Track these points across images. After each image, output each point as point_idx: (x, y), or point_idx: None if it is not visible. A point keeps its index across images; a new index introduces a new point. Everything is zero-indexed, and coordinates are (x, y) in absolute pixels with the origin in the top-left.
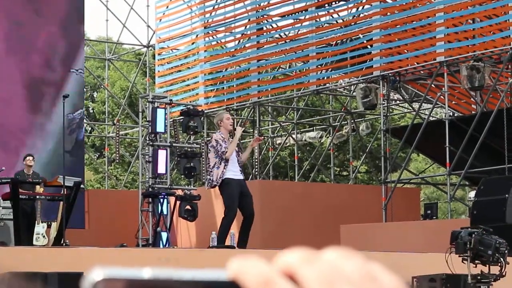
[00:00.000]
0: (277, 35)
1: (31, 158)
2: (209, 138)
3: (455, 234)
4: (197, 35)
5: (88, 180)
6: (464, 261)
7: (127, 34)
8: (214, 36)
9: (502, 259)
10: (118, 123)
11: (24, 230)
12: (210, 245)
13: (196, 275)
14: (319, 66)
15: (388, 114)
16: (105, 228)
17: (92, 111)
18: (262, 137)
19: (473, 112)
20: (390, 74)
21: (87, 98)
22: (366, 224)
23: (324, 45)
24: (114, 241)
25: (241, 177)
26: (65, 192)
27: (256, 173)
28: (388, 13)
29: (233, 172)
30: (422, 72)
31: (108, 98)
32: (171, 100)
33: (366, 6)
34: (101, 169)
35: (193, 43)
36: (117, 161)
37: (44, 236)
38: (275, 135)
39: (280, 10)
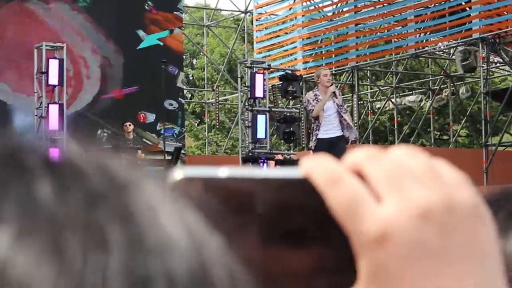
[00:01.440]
0: None
1: (129, 124)
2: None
3: None
4: (294, 0)
5: (188, 147)
6: None
7: (225, 0)
8: (312, 1)
9: None
10: (217, 89)
11: None
12: None
13: (270, 173)
14: (417, 30)
15: (488, 77)
16: None
17: (191, 77)
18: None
19: None
20: (489, 36)
21: (186, 65)
22: None
23: (422, 8)
24: None
25: (333, 134)
26: (165, 158)
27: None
28: None
29: (324, 130)
30: None
31: (207, 65)
32: (269, 65)
33: None
34: (201, 136)
35: (290, 9)
36: (217, 127)
37: None
38: (374, 99)
39: None
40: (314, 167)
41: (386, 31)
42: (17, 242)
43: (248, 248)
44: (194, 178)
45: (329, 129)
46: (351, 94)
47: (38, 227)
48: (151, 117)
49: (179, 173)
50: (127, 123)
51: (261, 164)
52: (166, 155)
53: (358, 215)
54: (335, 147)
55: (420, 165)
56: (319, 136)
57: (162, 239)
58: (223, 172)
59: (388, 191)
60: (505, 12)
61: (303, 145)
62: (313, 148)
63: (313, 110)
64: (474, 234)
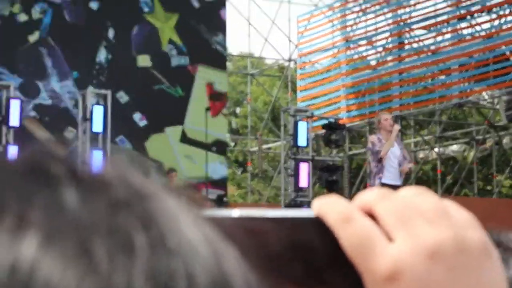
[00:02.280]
0: (419, 48)
1: (174, 173)
2: None
3: None
4: (338, 49)
5: (231, 195)
6: None
7: (269, 48)
8: (356, 50)
9: None
10: (260, 137)
11: None
12: None
13: (284, 213)
14: (461, 79)
15: None
16: None
17: (235, 126)
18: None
19: None
20: None
21: (230, 114)
22: None
23: (466, 57)
24: None
25: (395, 182)
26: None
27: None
28: None
29: (387, 176)
30: None
31: (251, 113)
32: (312, 113)
33: (509, 18)
34: (244, 184)
35: (334, 57)
36: (260, 175)
37: None
38: (418, 148)
39: (421, 24)
40: (326, 206)
41: (430, 80)
42: (45, 246)
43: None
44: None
45: (391, 175)
46: None
47: (64, 232)
48: None
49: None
50: (173, 173)
51: None
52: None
53: (370, 253)
54: None
55: (429, 205)
56: (383, 181)
57: (185, 245)
58: (235, 212)
59: (399, 230)
60: None
61: (346, 194)
62: None
63: (380, 151)
64: (482, 273)
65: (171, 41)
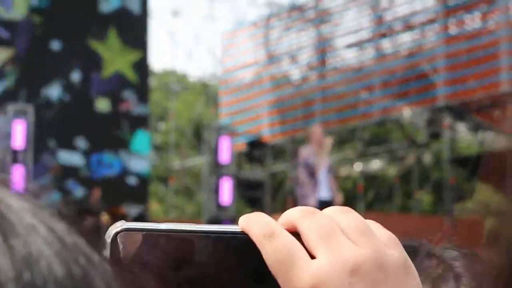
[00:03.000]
0: (341, 65)
1: (98, 191)
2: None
3: None
4: (261, 66)
5: (153, 211)
6: None
7: (192, 65)
8: (279, 67)
9: None
10: (183, 154)
11: None
12: None
13: (208, 228)
14: (383, 96)
15: (452, 144)
16: None
17: (157, 142)
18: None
19: None
20: (454, 104)
21: (153, 129)
22: None
23: (388, 74)
24: None
25: (327, 194)
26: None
27: None
28: (453, 43)
29: (322, 190)
30: (486, 101)
31: (174, 129)
32: (235, 130)
33: (431, 36)
34: (166, 200)
35: (257, 74)
36: (183, 192)
37: None
38: (340, 165)
39: (344, 40)
40: (251, 222)
41: (352, 97)
42: None
43: None
44: (134, 231)
45: (324, 189)
46: None
47: None
48: None
49: (118, 225)
50: (97, 190)
51: None
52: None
53: (292, 268)
54: None
55: (352, 223)
56: (319, 197)
57: (41, 248)
58: (162, 225)
59: (321, 246)
60: (470, 80)
61: (267, 211)
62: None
63: (315, 164)
64: None
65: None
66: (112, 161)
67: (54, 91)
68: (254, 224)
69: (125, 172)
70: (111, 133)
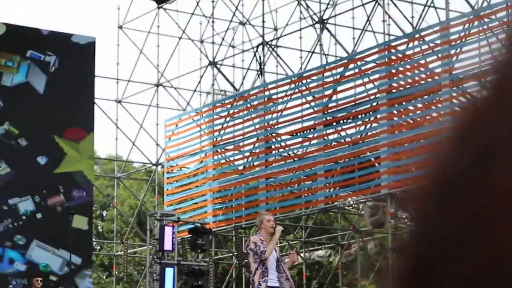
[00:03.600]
0: (285, 154)
1: (40, 280)
2: (247, 242)
3: None
4: (206, 154)
5: None
6: None
7: (136, 152)
8: (223, 155)
9: None
10: (126, 242)
11: None
12: None
13: None
14: (327, 185)
15: (396, 232)
16: None
17: (101, 229)
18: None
19: None
20: (398, 192)
21: (96, 217)
22: None
23: (332, 163)
24: None
25: (276, 284)
26: None
27: None
28: (396, 132)
29: (271, 278)
30: None
31: (117, 217)
32: (179, 218)
33: (374, 124)
34: None
35: (202, 162)
36: (125, 280)
37: None
38: (283, 253)
39: (288, 129)
40: None
41: (296, 185)
42: None
43: None
44: None
45: (273, 278)
46: None
47: None
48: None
49: None
50: (38, 279)
51: None
52: None
53: None
54: None
55: None
56: (269, 284)
57: None
58: None
59: None
60: (413, 169)
61: None
62: None
63: (265, 251)
64: None
65: None
66: None
67: None
68: None
69: None
70: None
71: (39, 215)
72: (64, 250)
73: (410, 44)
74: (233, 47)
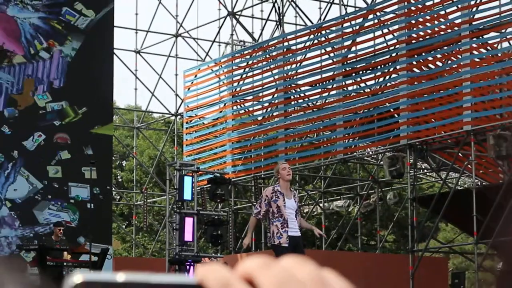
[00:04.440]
0: (304, 104)
1: (61, 229)
2: None
3: None
4: (225, 104)
5: (115, 249)
6: None
7: (155, 102)
8: (242, 105)
9: None
10: (146, 191)
11: None
12: None
13: (165, 279)
14: (346, 135)
15: (415, 183)
16: None
17: (120, 179)
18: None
19: (500, 181)
20: (417, 143)
21: (115, 167)
22: None
23: (351, 114)
24: None
25: (297, 233)
26: (91, 259)
27: None
28: (415, 83)
29: (291, 228)
30: (449, 141)
31: (136, 167)
32: (198, 168)
33: (393, 75)
34: (129, 238)
35: (221, 112)
36: (145, 229)
37: None
38: (303, 203)
39: (307, 80)
40: (209, 274)
41: (315, 135)
42: None
43: None
44: (93, 282)
45: (293, 227)
46: None
47: None
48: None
49: (78, 277)
50: (60, 227)
51: (188, 267)
52: (92, 256)
53: None
54: (299, 248)
55: (308, 274)
56: (290, 234)
57: None
58: (120, 277)
59: None
60: (432, 120)
61: (230, 249)
62: (286, 245)
63: (257, 213)
64: None
65: None
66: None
67: None
68: (210, 275)
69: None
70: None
71: None
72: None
73: None
74: None
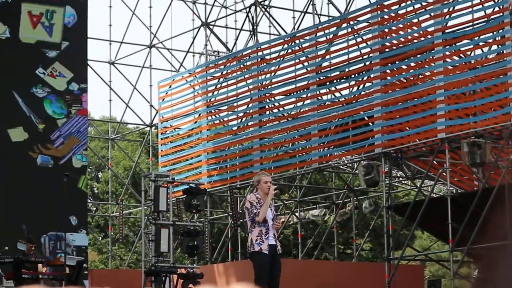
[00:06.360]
0: (279, 114)
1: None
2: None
3: None
4: (199, 114)
5: (92, 261)
6: None
7: (130, 113)
8: (217, 115)
9: None
10: (121, 203)
11: None
12: None
13: None
14: (321, 144)
15: (390, 191)
16: None
17: (96, 191)
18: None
19: (475, 189)
20: (392, 151)
21: (91, 179)
22: None
23: (326, 122)
24: None
25: (274, 242)
26: (67, 272)
27: None
28: (389, 91)
29: (271, 236)
30: (423, 148)
31: (112, 178)
32: (173, 178)
33: (367, 84)
34: (105, 249)
35: (195, 122)
36: (121, 240)
37: None
38: (278, 213)
39: (282, 89)
40: None
41: (290, 145)
42: None
43: None
44: None
45: (272, 236)
46: None
47: None
48: None
49: None
50: (32, 245)
51: (164, 278)
52: (67, 268)
53: None
54: (276, 257)
55: None
56: (270, 242)
57: None
58: None
59: None
60: (407, 128)
61: (207, 259)
62: (266, 252)
63: (258, 213)
64: None
65: None
66: None
67: None
68: None
69: None
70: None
71: None
72: None
73: (403, 3)
74: (225, 7)
